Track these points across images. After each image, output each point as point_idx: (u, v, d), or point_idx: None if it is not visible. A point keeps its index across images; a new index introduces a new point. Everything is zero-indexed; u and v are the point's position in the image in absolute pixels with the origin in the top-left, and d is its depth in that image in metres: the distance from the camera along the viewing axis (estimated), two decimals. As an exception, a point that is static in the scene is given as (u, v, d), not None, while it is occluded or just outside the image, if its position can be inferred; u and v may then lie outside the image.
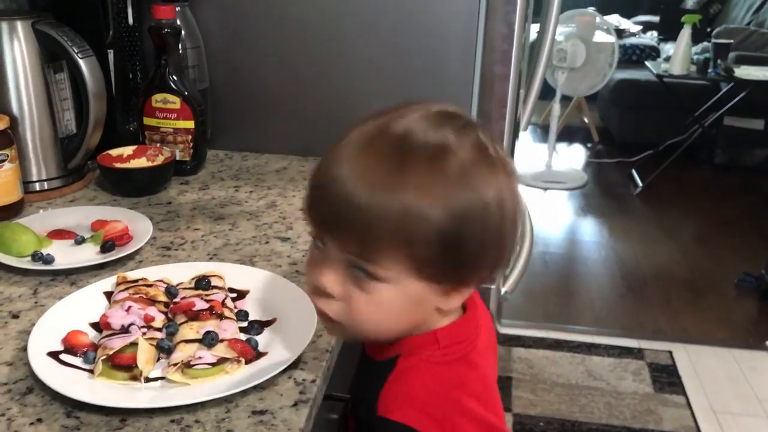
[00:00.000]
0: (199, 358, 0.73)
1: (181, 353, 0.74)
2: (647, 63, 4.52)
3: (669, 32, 5.34)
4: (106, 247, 1.00)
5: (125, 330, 0.77)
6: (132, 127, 1.36)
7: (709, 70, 4.08)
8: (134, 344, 0.74)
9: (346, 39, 1.37)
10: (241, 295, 0.89)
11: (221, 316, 0.80)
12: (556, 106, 4.45)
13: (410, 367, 0.66)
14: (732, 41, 4.33)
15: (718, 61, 4.06)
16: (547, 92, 4.41)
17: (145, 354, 0.74)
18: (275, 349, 0.77)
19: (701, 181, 4.59)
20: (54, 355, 0.75)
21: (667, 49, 5.16)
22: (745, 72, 4.09)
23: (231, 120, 1.47)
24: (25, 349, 0.75)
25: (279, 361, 0.73)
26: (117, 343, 0.74)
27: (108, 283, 0.90)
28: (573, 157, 5.09)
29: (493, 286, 1.53)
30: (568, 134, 5.33)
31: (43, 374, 0.71)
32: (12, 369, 0.75)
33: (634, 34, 5.71)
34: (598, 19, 4.47)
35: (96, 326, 0.81)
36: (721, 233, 3.77)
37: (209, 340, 0.75)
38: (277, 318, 0.83)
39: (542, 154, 4.65)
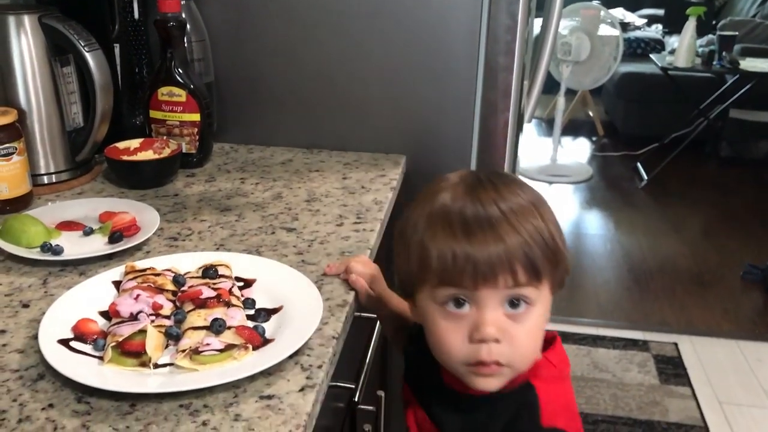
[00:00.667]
0: (207, 344, 0.74)
1: (190, 340, 0.75)
2: (652, 56, 4.51)
3: (674, 25, 5.33)
4: (114, 237, 1.01)
5: (134, 317, 0.78)
6: (138, 121, 1.37)
7: (715, 63, 4.07)
8: (143, 331, 0.75)
9: (350, 32, 1.38)
10: (248, 283, 0.90)
11: (228, 304, 0.81)
12: (560, 100, 4.45)
13: (546, 387, 0.76)
14: (737, 33, 4.32)
15: (724, 53, 4.05)
16: (551, 86, 4.41)
17: (153, 341, 0.75)
18: (282, 335, 0.78)
19: (707, 173, 4.58)
20: (64, 342, 0.76)
21: (672, 42, 5.16)
22: (750, 64, 4.08)
23: (236, 113, 1.48)
24: (35, 337, 0.76)
25: (286, 347, 0.74)
26: (126, 330, 0.75)
27: (116, 272, 0.91)
28: (578, 150, 5.09)
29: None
30: (573, 128, 5.33)
31: (53, 361, 0.72)
32: (23, 356, 0.76)
33: (638, 27, 5.70)
34: (602, 13, 4.46)
35: (105, 314, 0.82)
36: (727, 226, 3.77)
37: (217, 326, 0.76)
38: (284, 306, 0.84)
39: (547, 148, 4.65)
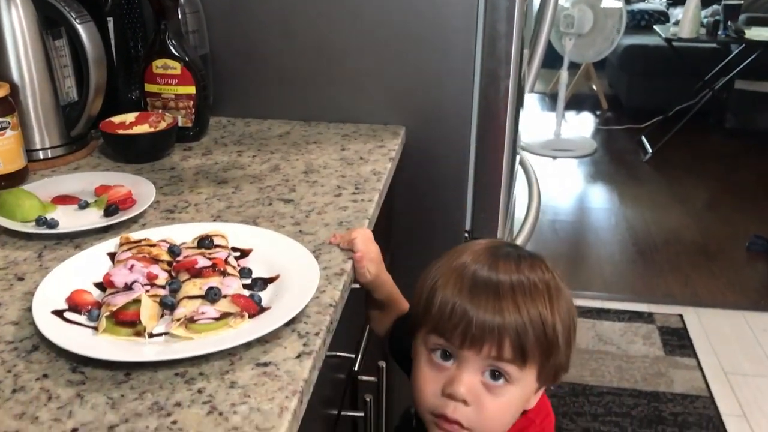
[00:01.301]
0: (203, 313, 0.73)
1: (185, 309, 0.74)
2: (656, 27, 4.46)
3: (678, -4, 5.27)
4: (110, 210, 1.00)
5: (128, 287, 0.77)
6: (134, 95, 1.36)
7: (719, 33, 4.02)
8: (137, 301, 0.74)
9: (347, 2, 1.35)
10: (245, 253, 0.89)
11: (224, 273, 0.80)
12: (564, 74, 4.41)
13: None
14: (742, 2, 4.27)
15: (728, 22, 4.00)
16: (554, 60, 4.37)
17: (148, 310, 0.74)
18: (279, 304, 0.77)
19: (711, 145, 4.55)
20: (58, 313, 0.75)
21: (677, 13, 5.09)
22: (755, 33, 4.03)
23: (233, 86, 1.46)
24: (30, 309, 0.75)
25: (282, 314, 0.73)
26: (120, 299, 0.74)
27: (111, 244, 0.90)
28: (582, 124, 5.06)
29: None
30: (576, 102, 5.29)
31: (48, 331, 0.71)
32: (18, 328, 0.75)
33: (642, -1, 5.64)
34: (605, -16, 4.41)
35: (100, 286, 0.81)
36: (732, 197, 3.74)
37: (212, 295, 0.75)
38: (281, 275, 0.83)
39: (551, 123, 4.62)
